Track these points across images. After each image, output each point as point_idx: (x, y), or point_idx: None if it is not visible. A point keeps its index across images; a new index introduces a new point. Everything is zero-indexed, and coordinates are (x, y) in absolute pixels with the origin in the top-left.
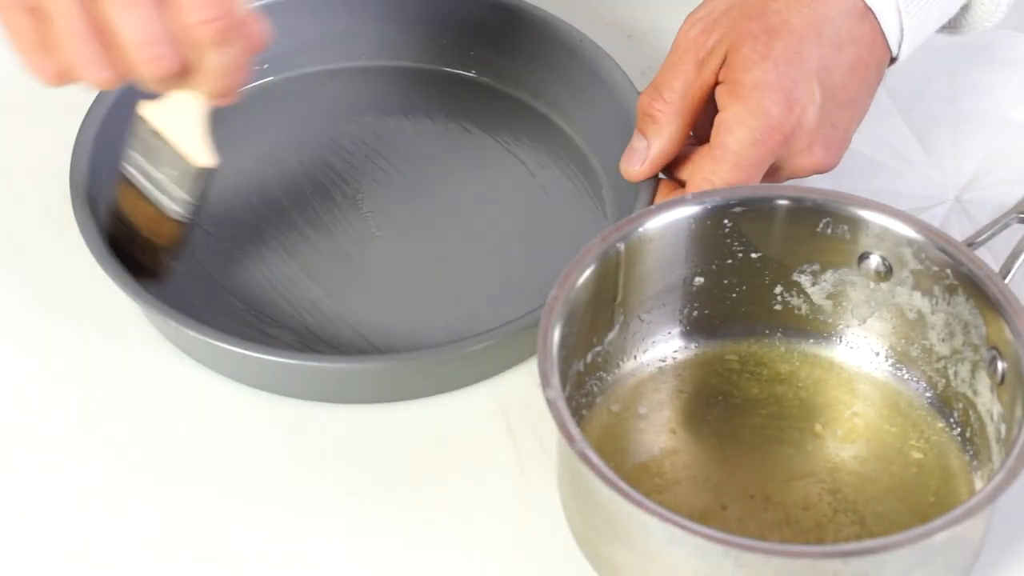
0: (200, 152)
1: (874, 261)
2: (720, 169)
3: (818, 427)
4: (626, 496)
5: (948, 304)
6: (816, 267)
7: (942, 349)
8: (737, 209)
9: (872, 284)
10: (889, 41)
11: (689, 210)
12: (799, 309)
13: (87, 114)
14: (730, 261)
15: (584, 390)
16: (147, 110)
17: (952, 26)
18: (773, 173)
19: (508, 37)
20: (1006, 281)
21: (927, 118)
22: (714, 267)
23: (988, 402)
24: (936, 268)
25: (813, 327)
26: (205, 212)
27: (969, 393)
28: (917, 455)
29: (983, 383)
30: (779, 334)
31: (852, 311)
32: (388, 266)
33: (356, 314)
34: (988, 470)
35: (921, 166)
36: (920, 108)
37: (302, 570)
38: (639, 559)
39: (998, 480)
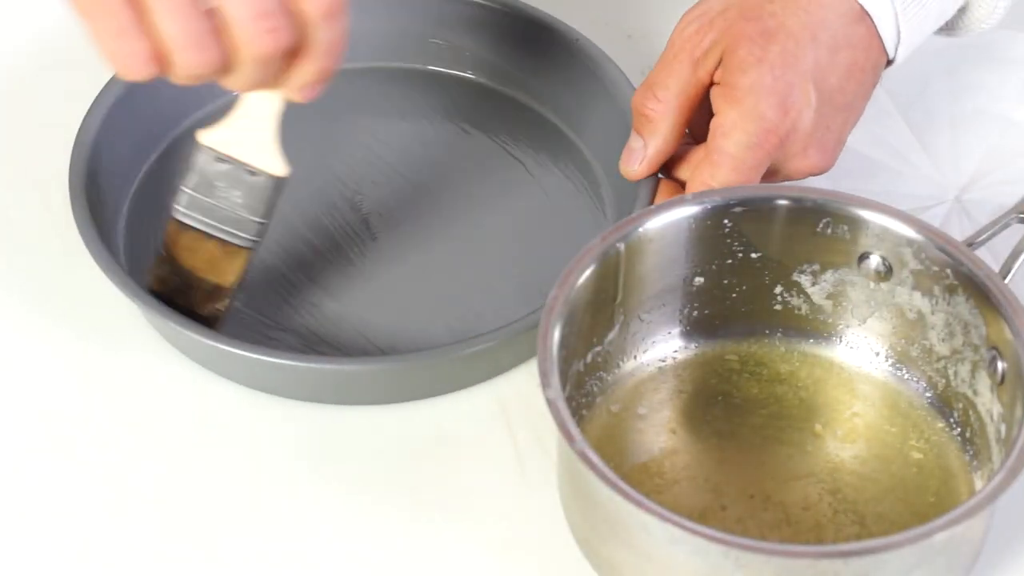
0: (275, 162)
1: (874, 261)
2: (719, 173)
3: (818, 427)
4: (626, 496)
5: (948, 304)
6: (816, 267)
7: (942, 349)
8: (737, 209)
9: (872, 284)
10: (886, 44)
11: (689, 210)
12: (799, 309)
13: (87, 114)
14: (730, 261)
15: (584, 390)
16: (207, 136)
17: (949, 28)
18: (769, 176)
19: (504, 37)
20: (1006, 281)
21: (927, 118)
22: (714, 267)
23: (988, 402)
24: (936, 268)
25: (813, 327)
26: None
27: (969, 393)
28: (917, 455)
29: (983, 383)
30: (779, 334)
31: (852, 311)
32: (389, 267)
33: (357, 315)
34: (988, 470)
35: (921, 166)
36: (920, 108)
37: (303, 570)
38: (639, 559)
39: (998, 480)
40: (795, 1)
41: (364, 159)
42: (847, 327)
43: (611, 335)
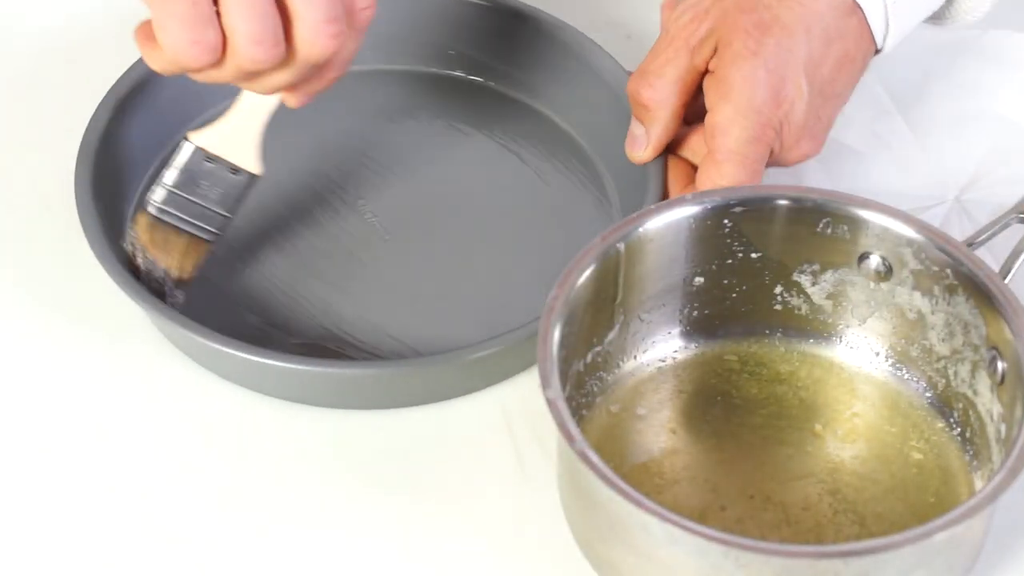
0: (256, 162)
1: (874, 261)
2: (726, 170)
3: (818, 427)
4: (626, 496)
5: (948, 304)
6: (816, 267)
7: (942, 349)
8: (737, 209)
9: (872, 284)
10: (875, 35)
11: (689, 210)
12: (799, 309)
13: (93, 116)
14: (730, 261)
15: (584, 390)
16: (199, 137)
17: (937, 18)
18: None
19: (498, 36)
20: (1006, 281)
21: (927, 118)
22: (714, 267)
23: (988, 402)
24: (936, 268)
25: (813, 327)
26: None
27: (969, 393)
28: (917, 455)
29: (983, 383)
30: (779, 334)
31: (852, 311)
32: (390, 271)
33: (358, 319)
34: (988, 470)
35: (921, 166)
36: (920, 108)
37: (304, 570)
38: (639, 559)
39: (998, 480)
40: None
41: (360, 163)
42: (847, 327)
43: (611, 335)
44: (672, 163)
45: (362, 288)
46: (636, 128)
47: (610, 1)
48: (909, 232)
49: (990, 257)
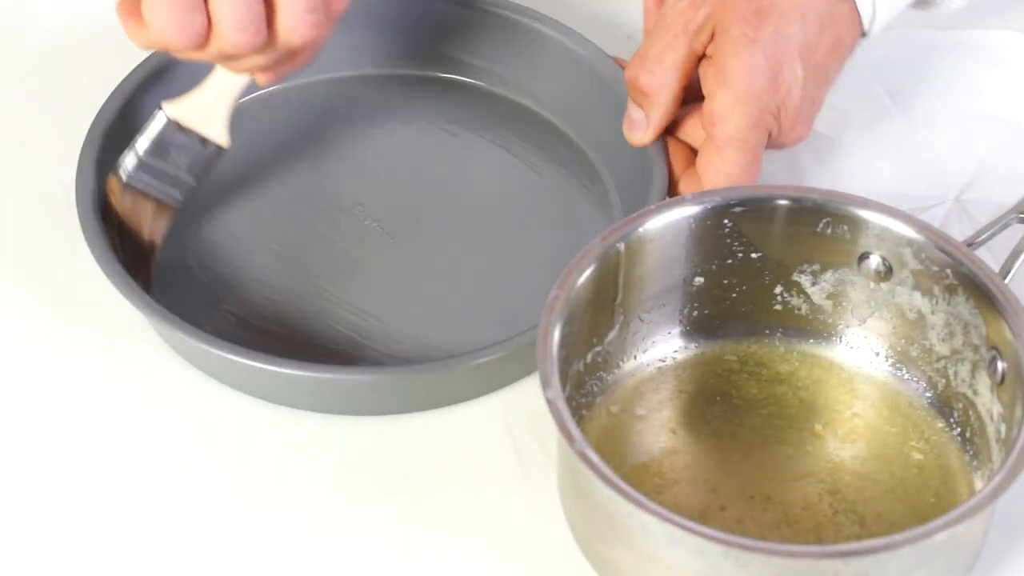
0: (225, 134)
1: (874, 261)
2: (727, 156)
3: (818, 427)
4: (626, 496)
5: (948, 304)
6: (816, 267)
7: (942, 349)
8: (737, 209)
9: (872, 284)
10: (863, 19)
11: (689, 210)
12: (799, 309)
13: (94, 119)
14: (730, 261)
15: (584, 390)
16: (172, 109)
17: (922, 4)
18: None
19: (494, 39)
20: (1006, 281)
21: (927, 118)
22: (714, 267)
23: (988, 402)
24: (936, 268)
25: (813, 327)
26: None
27: (969, 393)
28: (917, 455)
29: (983, 383)
30: (779, 334)
31: (852, 311)
32: (391, 277)
33: (359, 323)
34: (988, 470)
35: (921, 166)
36: (920, 108)
37: (304, 570)
38: (639, 559)
39: (998, 480)
40: None
41: (358, 166)
42: (847, 327)
43: (611, 335)
44: (671, 144)
45: (361, 293)
46: (635, 112)
47: (610, 1)
48: (909, 232)
49: (990, 257)
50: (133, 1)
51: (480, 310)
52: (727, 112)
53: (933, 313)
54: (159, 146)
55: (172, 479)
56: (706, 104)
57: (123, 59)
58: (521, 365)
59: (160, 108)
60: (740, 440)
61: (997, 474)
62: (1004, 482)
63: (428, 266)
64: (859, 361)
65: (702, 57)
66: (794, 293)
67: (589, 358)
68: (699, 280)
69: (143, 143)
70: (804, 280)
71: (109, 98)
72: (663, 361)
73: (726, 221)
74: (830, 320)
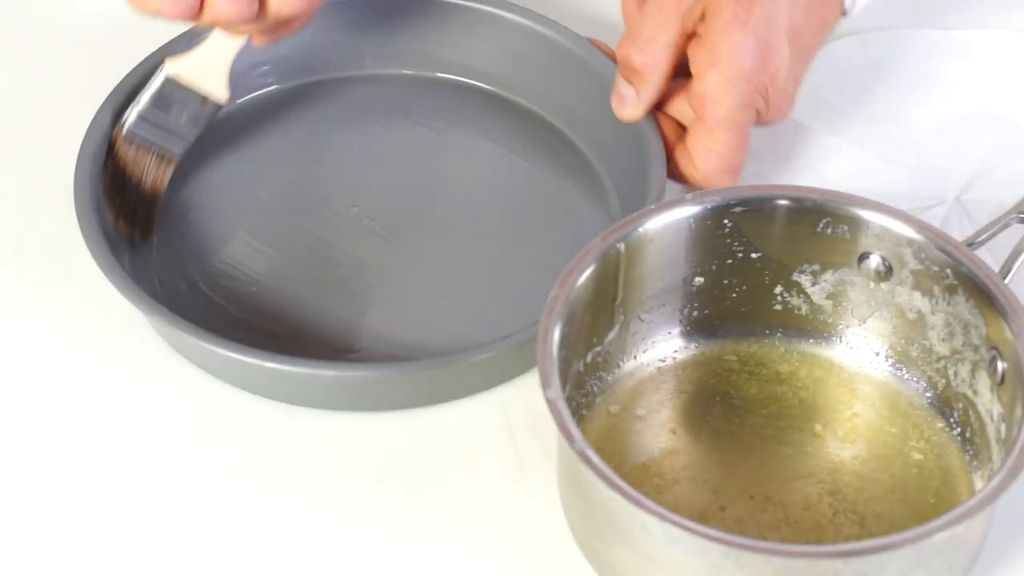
0: (224, 91)
1: (874, 261)
2: (719, 136)
3: (818, 427)
4: (626, 496)
5: (948, 304)
6: (816, 267)
7: (942, 349)
8: (737, 209)
9: (872, 284)
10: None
11: (689, 210)
12: (799, 309)
13: (94, 118)
14: (730, 261)
15: (584, 390)
16: (175, 66)
17: None
18: None
19: (492, 40)
20: (1006, 281)
21: (927, 118)
22: (714, 267)
23: (988, 402)
24: (936, 268)
25: (813, 327)
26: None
27: (969, 393)
28: (917, 455)
29: (983, 383)
30: (779, 334)
31: (852, 311)
32: (390, 275)
33: (359, 322)
34: (988, 470)
35: (921, 166)
36: (920, 108)
37: (305, 570)
38: (639, 559)
39: (998, 480)
40: None
41: (356, 167)
42: (847, 327)
43: (611, 335)
44: (661, 118)
45: (361, 291)
46: (625, 88)
47: (610, 1)
48: (909, 232)
49: (990, 257)
50: None
51: (480, 311)
52: (718, 93)
53: (933, 313)
54: (161, 100)
55: (172, 476)
56: (696, 84)
57: (123, 59)
58: (520, 361)
59: (163, 66)
60: (740, 440)
61: (997, 474)
62: (1004, 482)
63: (428, 266)
64: (859, 361)
65: (692, 36)
66: (794, 293)
67: (589, 358)
68: (699, 280)
69: (146, 98)
70: (804, 280)
71: (108, 98)
72: (663, 361)
73: (726, 221)
74: (830, 320)
